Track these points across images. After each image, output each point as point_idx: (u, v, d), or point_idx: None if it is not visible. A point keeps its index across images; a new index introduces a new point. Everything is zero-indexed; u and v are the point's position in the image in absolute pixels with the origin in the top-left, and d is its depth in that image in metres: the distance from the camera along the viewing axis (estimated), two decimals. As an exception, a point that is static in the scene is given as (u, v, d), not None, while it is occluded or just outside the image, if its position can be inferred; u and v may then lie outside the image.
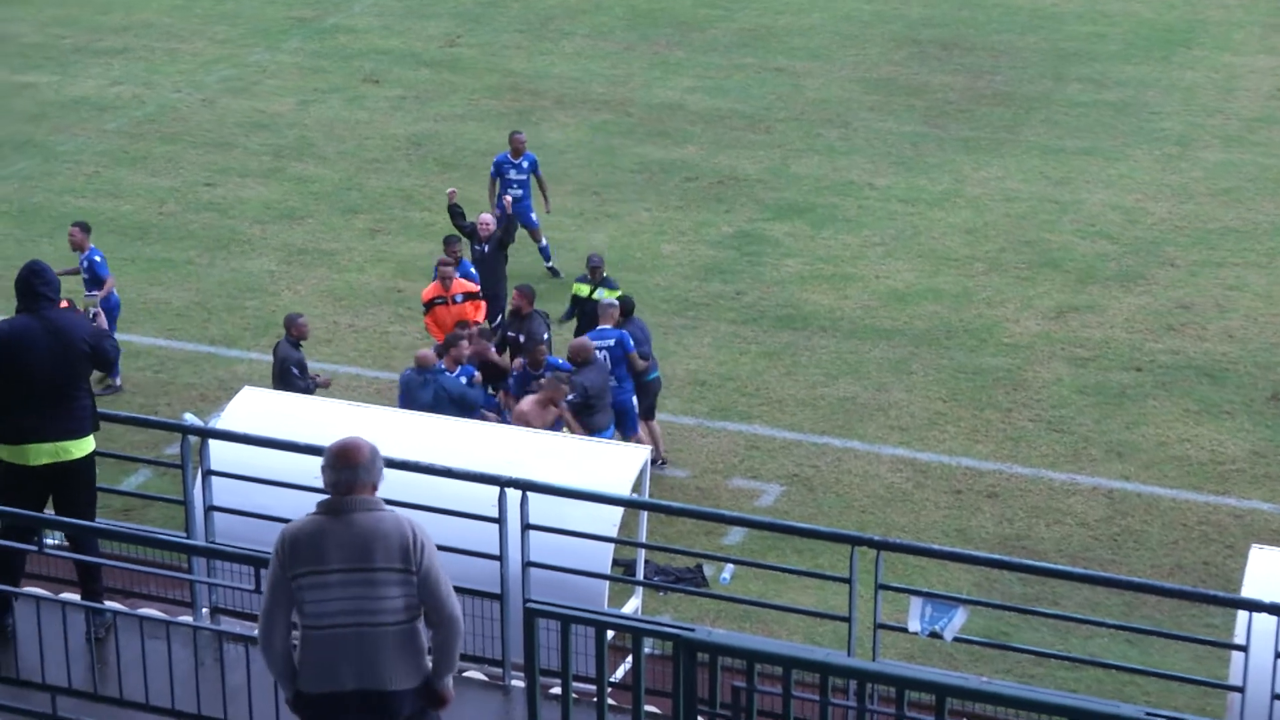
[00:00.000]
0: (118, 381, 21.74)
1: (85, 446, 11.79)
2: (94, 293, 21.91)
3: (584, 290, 21.72)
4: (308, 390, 19.16)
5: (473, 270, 22.31)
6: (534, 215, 25.54)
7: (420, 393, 18.66)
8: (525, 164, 25.53)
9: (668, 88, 33.93)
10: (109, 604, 12.08)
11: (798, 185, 29.00)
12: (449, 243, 21.96)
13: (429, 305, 21.28)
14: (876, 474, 20.25)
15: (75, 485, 11.83)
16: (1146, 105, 32.76)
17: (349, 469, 8.77)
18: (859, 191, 28.70)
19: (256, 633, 9.04)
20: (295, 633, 8.97)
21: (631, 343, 20.06)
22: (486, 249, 22.82)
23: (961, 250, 26.45)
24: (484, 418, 18.89)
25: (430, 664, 8.96)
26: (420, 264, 25.15)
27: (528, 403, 18.50)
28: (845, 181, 29.19)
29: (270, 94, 33.76)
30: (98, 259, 22.34)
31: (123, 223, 27.59)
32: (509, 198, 23.91)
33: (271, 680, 9.64)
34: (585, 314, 21.36)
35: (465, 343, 19.44)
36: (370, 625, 8.69)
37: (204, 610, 12.91)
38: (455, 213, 23.26)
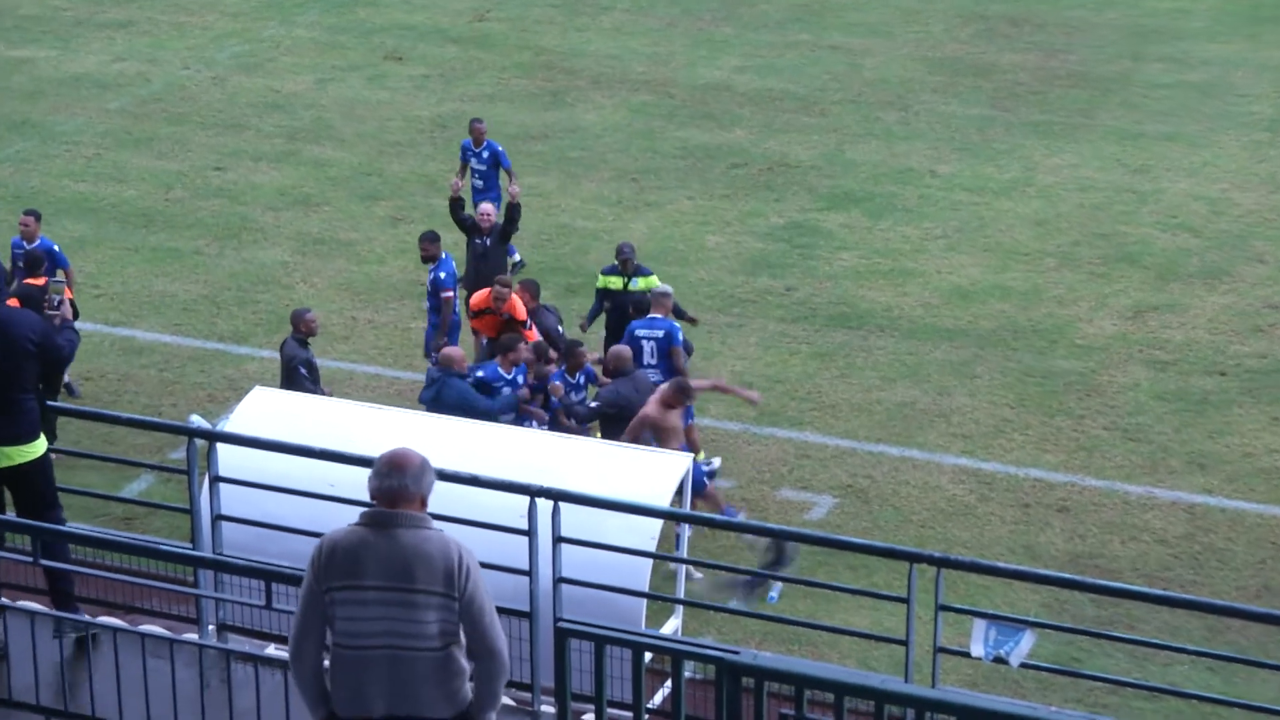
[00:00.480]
0: (72, 384, 21.58)
1: (31, 452, 11.80)
2: (59, 280, 21.67)
3: (615, 283, 21.75)
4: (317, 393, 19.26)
5: (453, 268, 21.98)
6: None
7: (424, 391, 18.87)
8: (486, 154, 25.59)
9: (713, 67, 33.92)
10: (110, 619, 12.13)
11: (854, 172, 28.96)
12: (428, 241, 21.86)
13: (478, 314, 21.14)
14: (937, 485, 20.21)
15: (28, 489, 11.90)
16: (1233, 87, 32.62)
17: (397, 480, 8.74)
18: (920, 179, 28.64)
19: (287, 649, 9.04)
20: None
21: (681, 336, 20.17)
22: (489, 242, 22.77)
23: (1031, 244, 26.39)
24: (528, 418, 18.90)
25: (469, 693, 8.91)
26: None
27: (652, 405, 18.32)
28: (905, 169, 29.15)
29: (285, 72, 33.88)
30: (55, 249, 22.06)
31: (126, 209, 27.71)
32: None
33: (282, 703, 9.67)
34: (616, 308, 21.38)
35: (522, 346, 19.45)
36: (404, 649, 8.67)
37: (210, 627, 12.95)
38: (456, 205, 23.26)
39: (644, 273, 21.77)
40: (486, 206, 23.17)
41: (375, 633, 8.64)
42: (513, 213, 23.04)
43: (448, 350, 19.36)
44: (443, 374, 18.77)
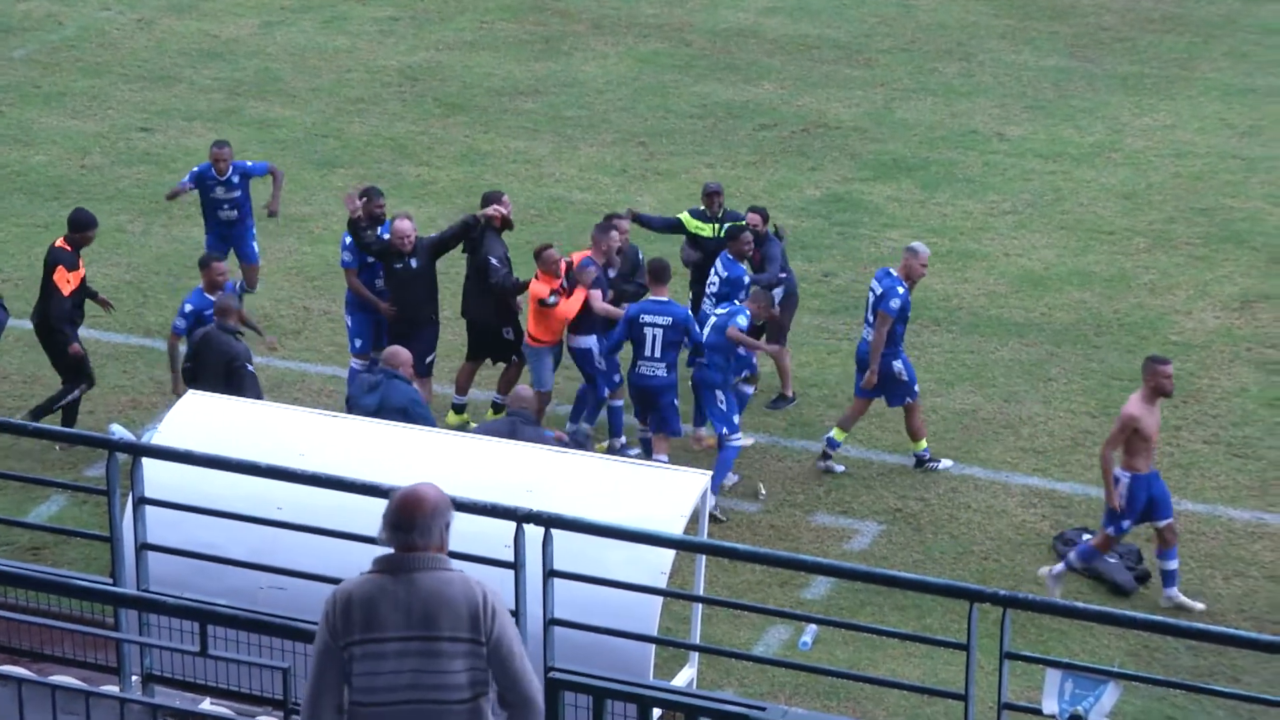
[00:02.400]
0: None
1: None
2: None
3: (706, 229, 22.25)
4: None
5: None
6: (255, 244, 24.07)
7: (365, 396, 18.87)
8: (236, 178, 23.62)
9: (738, 8, 33.99)
10: (13, 669, 12.16)
11: (905, 135, 29.02)
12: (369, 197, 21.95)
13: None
14: (1004, 509, 20.25)
15: None
16: (1361, 33, 32.73)
17: (413, 522, 9.31)
18: (985, 144, 28.70)
19: (300, 716, 9.47)
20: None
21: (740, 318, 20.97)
22: (414, 264, 21.29)
23: (1118, 221, 26.45)
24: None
25: None
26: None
27: (1134, 403, 18.62)
28: (967, 130, 29.21)
29: (224, 13, 33.97)
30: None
31: (33, 178, 27.80)
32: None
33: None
34: (709, 256, 21.99)
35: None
36: (431, 703, 9.23)
37: (134, 677, 13.00)
38: (357, 226, 21.57)
39: (734, 217, 22.18)
40: (403, 223, 21.29)
41: (399, 686, 9.25)
42: (470, 224, 21.82)
43: (394, 349, 19.30)
44: (385, 375, 18.84)
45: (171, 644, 12.43)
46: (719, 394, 20.34)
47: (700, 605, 15.88)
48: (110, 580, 13.03)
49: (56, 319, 20.99)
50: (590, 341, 21.13)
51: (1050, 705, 11.51)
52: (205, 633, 10.90)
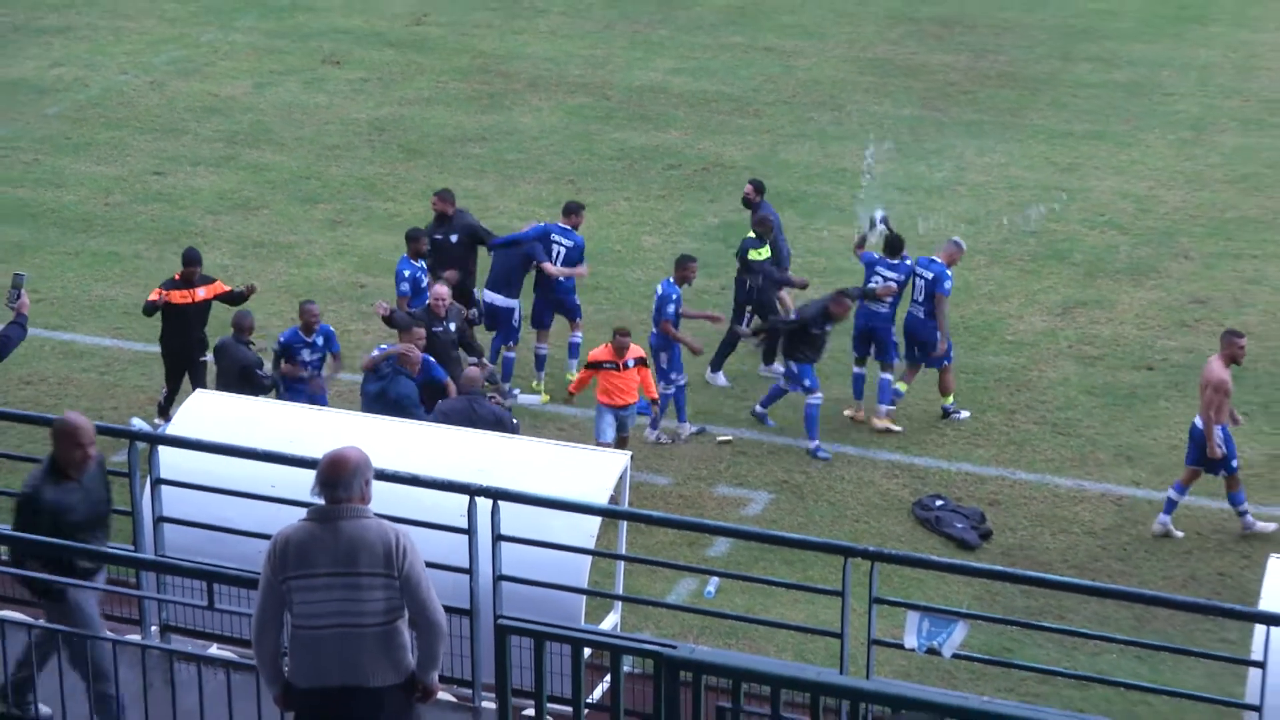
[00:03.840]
0: None
1: None
2: (20, 273, 21.55)
3: (765, 252, 22.41)
4: (274, 384, 19.52)
5: (419, 277, 21.53)
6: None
7: (370, 385, 18.95)
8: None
9: (649, 69, 33.98)
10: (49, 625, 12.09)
11: (788, 173, 29.05)
12: (414, 238, 21.84)
13: (595, 365, 20.17)
14: (871, 480, 20.31)
15: None
16: (1160, 86, 32.86)
17: (338, 478, 9.67)
18: (853, 179, 28.75)
19: (251, 634, 9.91)
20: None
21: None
22: (452, 326, 20.53)
23: (963, 242, 26.47)
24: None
25: (414, 662, 9.80)
26: (384, 257, 25.15)
27: (1219, 369, 18.99)
28: (838, 169, 29.26)
29: (223, 76, 33.77)
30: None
31: (66, 214, 27.58)
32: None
33: (225, 702, 9.76)
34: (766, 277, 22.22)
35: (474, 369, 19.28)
36: (354, 626, 9.63)
37: (153, 628, 12.94)
38: (393, 319, 20.22)
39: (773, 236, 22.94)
40: (440, 289, 20.53)
41: (328, 613, 9.62)
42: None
43: (411, 350, 19.18)
44: (394, 371, 18.89)
45: (185, 600, 12.38)
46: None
47: (623, 562, 15.87)
48: (133, 547, 12.98)
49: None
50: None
51: (911, 640, 11.56)
52: (212, 590, 10.88)
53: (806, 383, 20.84)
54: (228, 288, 21.11)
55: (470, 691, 12.52)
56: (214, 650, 12.65)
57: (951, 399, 21.67)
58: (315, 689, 9.72)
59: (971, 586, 18.05)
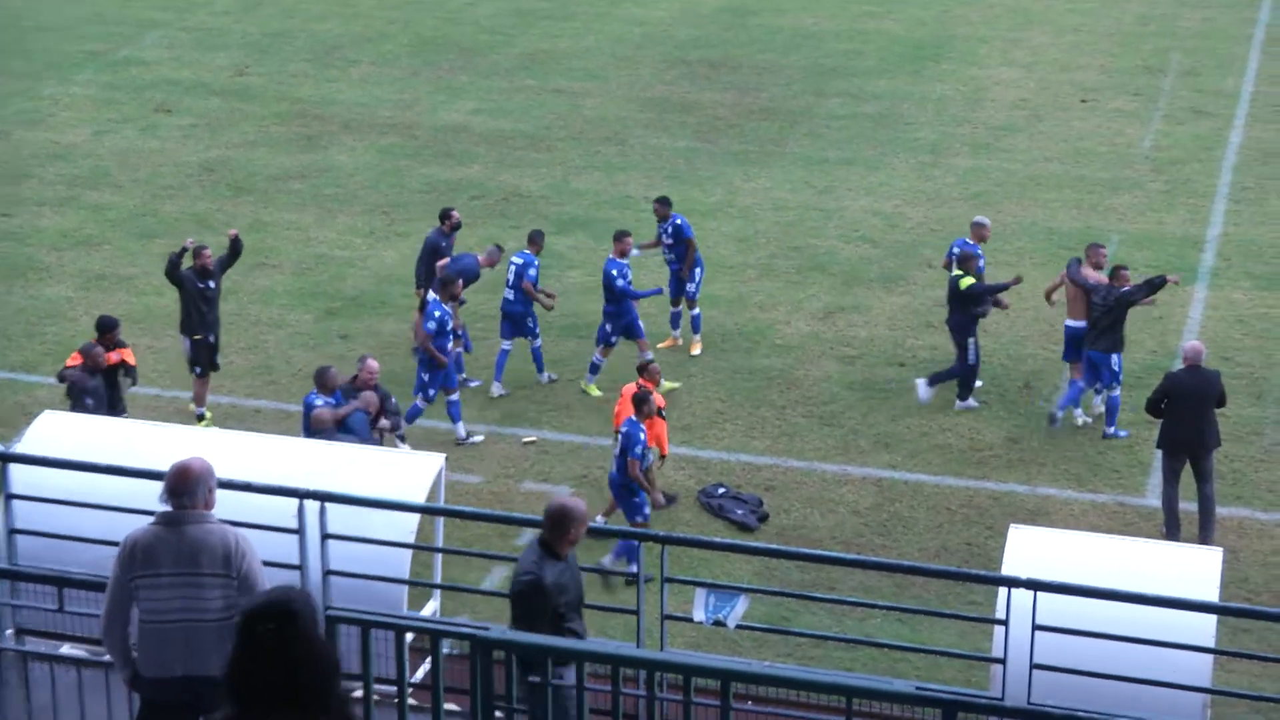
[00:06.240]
0: None
1: None
2: None
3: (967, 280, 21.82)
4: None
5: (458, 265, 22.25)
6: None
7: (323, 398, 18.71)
8: (670, 228, 23.44)
9: (452, 110, 33.77)
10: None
11: (578, 200, 29.04)
12: (449, 283, 21.46)
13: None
14: (661, 472, 20.28)
15: None
16: (901, 117, 33.31)
17: (183, 487, 9.60)
18: (636, 205, 28.78)
19: (100, 627, 9.91)
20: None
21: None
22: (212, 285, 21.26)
23: (735, 258, 26.67)
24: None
25: None
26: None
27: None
28: (623, 195, 29.29)
29: (65, 125, 33.00)
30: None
31: (-81, 254, 26.76)
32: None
33: (76, 698, 9.50)
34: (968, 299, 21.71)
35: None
36: (195, 621, 9.57)
37: (8, 632, 12.55)
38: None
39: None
40: (372, 364, 19.25)
41: (172, 609, 9.57)
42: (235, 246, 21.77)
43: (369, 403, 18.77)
44: (351, 393, 18.78)
45: (37, 604, 12.02)
46: None
47: (440, 554, 15.71)
48: (-13, 559, 12.58)
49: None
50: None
51: (699, 614, 11.54)
52: (62, 595, 10.60)
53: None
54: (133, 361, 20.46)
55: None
56: (66, 649, 12.30)
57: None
58: (161, 678, 9.68)
59: (751, 564, 18.13)
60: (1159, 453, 19.22)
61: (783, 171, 30.43)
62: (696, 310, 23.58)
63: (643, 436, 18.08)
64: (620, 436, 18.26)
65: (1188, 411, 18.46)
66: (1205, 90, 34.86)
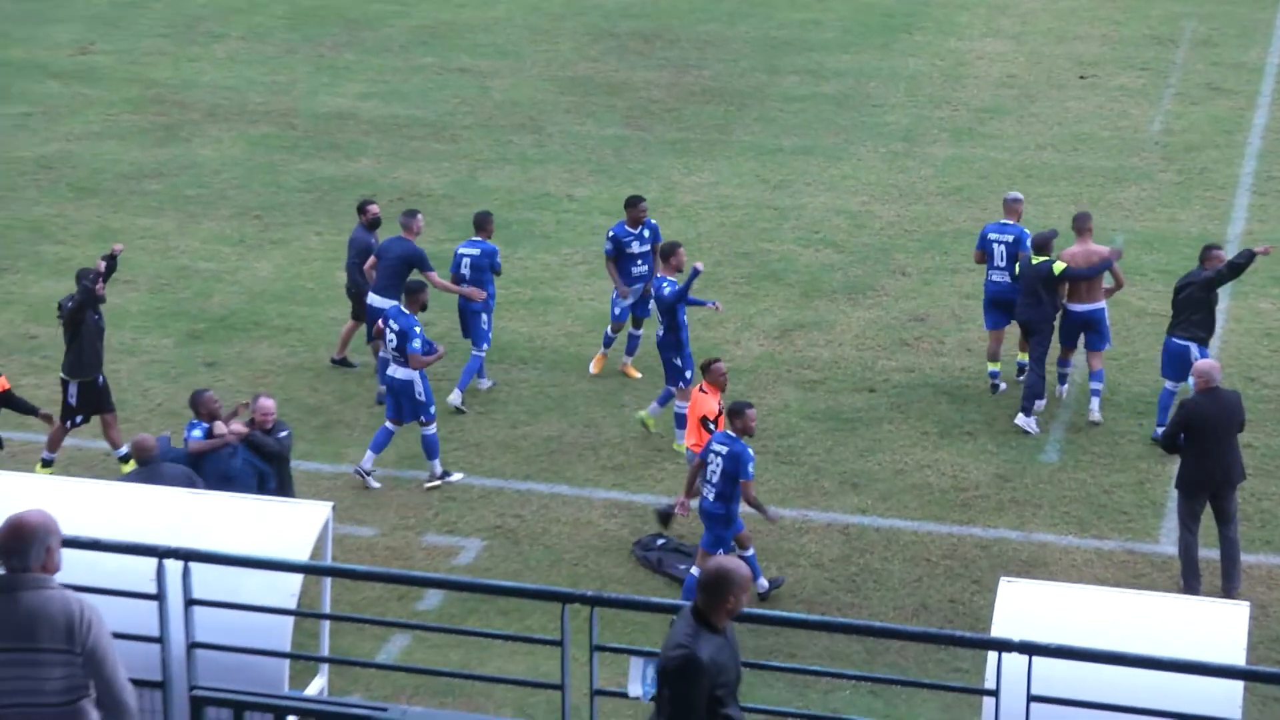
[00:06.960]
0: None
1: None
2: None
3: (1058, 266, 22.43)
4: None
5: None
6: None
7: (230, 462, 18.53)
8: (646, 232, 23.70)
9: (336, 95, 33.78)
10: None
11: (488, 199, 29.07)
12: (415, 291, 21.58)
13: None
14: (589, 520, 20.34)
15: None
16: (868, 97, 33.55)
17: (15, 546, 9.44)
18: (557, 204, 28.88)
19: None
20: None
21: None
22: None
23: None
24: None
25: None
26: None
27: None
28: (541, 193, 29.37)
29: None
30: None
31: None
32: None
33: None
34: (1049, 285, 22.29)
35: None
36: (33, 705, 9.35)
37: None
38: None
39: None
40: (266, 403, 19.04)
41: (4, 692, 9.34)
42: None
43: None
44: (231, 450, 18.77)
45: None
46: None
47: (328, 621, 15.69)
48: None
49: None
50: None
51: (635, 689, 11.56)
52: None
53: None
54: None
55: (167, 770, 12.26)
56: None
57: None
58: None
59: (697, 627, 18.12)
60: (1175, 492, 19.40)
61: (729, 163, 30.56)
62: (638, 330, 23.67)
63: (751, 452, 18.28)
64: (718, 458, 18.31)
65: (1212, 443, 18.55)
66: (1224, 64, 35.28)
